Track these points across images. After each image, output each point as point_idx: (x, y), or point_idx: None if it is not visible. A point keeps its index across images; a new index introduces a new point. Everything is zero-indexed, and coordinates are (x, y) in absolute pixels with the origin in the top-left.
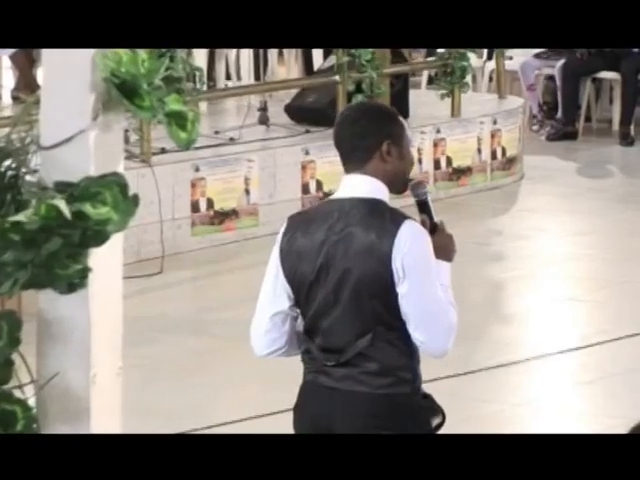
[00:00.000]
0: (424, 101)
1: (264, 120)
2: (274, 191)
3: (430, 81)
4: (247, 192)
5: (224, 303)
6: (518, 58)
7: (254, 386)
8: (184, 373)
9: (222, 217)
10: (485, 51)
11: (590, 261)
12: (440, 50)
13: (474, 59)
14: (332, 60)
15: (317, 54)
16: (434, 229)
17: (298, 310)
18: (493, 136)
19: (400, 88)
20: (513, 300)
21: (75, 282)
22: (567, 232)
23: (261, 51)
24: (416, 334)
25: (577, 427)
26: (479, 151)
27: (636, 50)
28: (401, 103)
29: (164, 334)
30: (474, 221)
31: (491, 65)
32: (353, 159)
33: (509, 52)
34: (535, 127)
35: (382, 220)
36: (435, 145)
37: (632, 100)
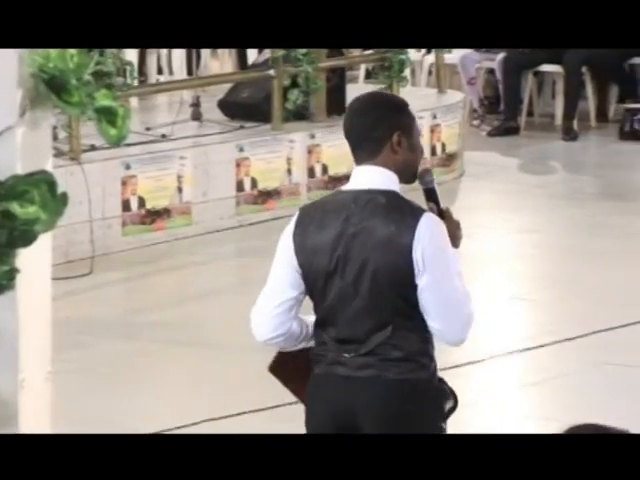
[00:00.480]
0: None
1: (197, 116)
2: (207, 189)
3: (368, 75)
4: (179, 190)
5: (155, 305)
6: (458, 51)
7: (188, 390)
8: (115, 377)
9: (154, 216)
10: None
11: (534, 259)
12: None
13: (413, 52)
14: (267, 54)
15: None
16: (441, 216)
17: (301, 298)
18: (432, 132)
19: (337, 83)
20: None
21: (2, 284)
22: (510, 230)
23: None
24: (434, 324)
25: (519, 430)
26: None
27: None
28: (338, 98)
29: (94, 337)
30: None
31: (430, 59)
32: (364, 150)
33: None
34: (476, 122)
35: (401, 213)
36: None
37: (575, 94)
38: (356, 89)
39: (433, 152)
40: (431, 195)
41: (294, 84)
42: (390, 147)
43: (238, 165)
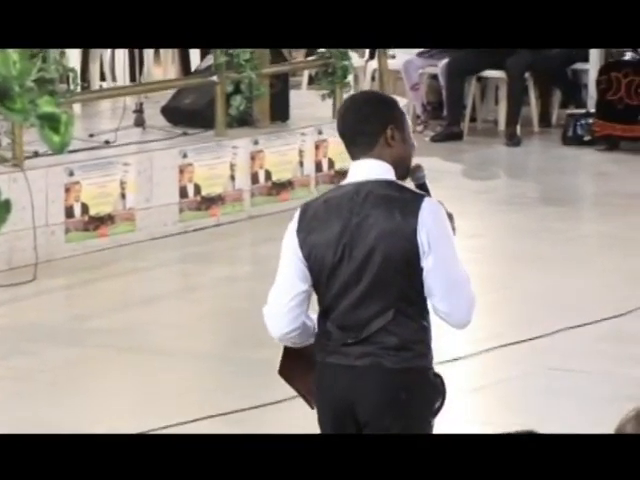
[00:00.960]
0: (305, 102)
1: (140, 122)
2: (151, 195)
3: (311, 81)
4: (123, 197)
5: (99, 311)
6: (401, 57)
7: (133, 395)
8: (59, 384)
9: (97, 222)
10: (367, 50)
11: (478, 264)
12: (321, 49)
13: (356, 58)
14: (210, 60)
15: (194, 54)
16: None
17: (311, 291)
18: None
19: (280, 89)
20: None
21: None
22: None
23: (136, 51)
24: (440, 306)
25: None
26: None
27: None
28: (281, 104)
29: (37, 344)
30: None
31: (373, 64)
32: (358, 144)
33: (391, 51)
34: (419, 128)
35: (402, 199)
36: (317, 147)
37: (518, 99)
38: (299, 95)
39: None
40: (423, 189)
41: (237, 90)
42: (384, 141)
43: (181, 171)
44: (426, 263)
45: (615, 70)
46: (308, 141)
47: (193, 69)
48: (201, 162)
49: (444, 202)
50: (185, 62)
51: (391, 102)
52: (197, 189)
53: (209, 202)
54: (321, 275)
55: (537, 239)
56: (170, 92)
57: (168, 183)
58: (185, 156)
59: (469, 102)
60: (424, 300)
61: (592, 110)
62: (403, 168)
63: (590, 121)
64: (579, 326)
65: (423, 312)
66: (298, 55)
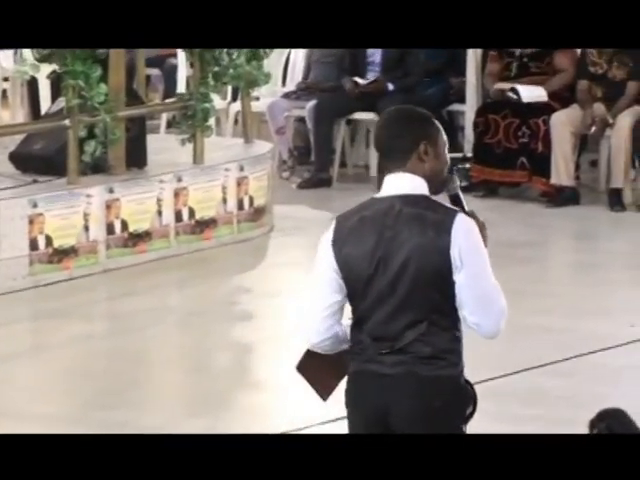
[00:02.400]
0: (163, 147)
1: None
2: None
3: (170, 124)
4: None
5: None
6: (265, 99)
7: None
8: None
9: None
10: (229, 92)
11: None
12: (180, 91)
13: (218, 100)
14: (61, 103)
15: (44, 97)
16: None
17: (344, 302)
18: (239, 184)
19: (137, 133)
20: (264, 364)
21: None
22: None
23: None
24: (471, 318)
25: None
26: (224, 201)
27: (392, 89)
28: (138, 149)
29: None
30: (221, 278)
31: (236, 107)
32: (393, 159)
33: (255, 92)
34: (285, 174)
35: (436, 214)
36: (176, 195)
37: None
38: (157, 139)
39: (240, 206)
40: (456, 201)
41: (91, 135)
42: (417, 156)
43: (31, 222)
44: (458, 277)
45: (493, 112)
46: (167, 189)
47: (43, 112)
48: (52, 212)
49: (476, 212)
50: (35, 105)
51: (425, 118)
52: (48, 241)
53: (62, 254)
54: (356, 287)
55: None
56: (19, 137)
57: (17, 234)
58: (35, 205)
59: (338, 146)
60: (456, 311)
61: (469, 154)
62: (437, 182)
63: (467, 166)
64: None
65: (456, 323)
66: (155, 97)
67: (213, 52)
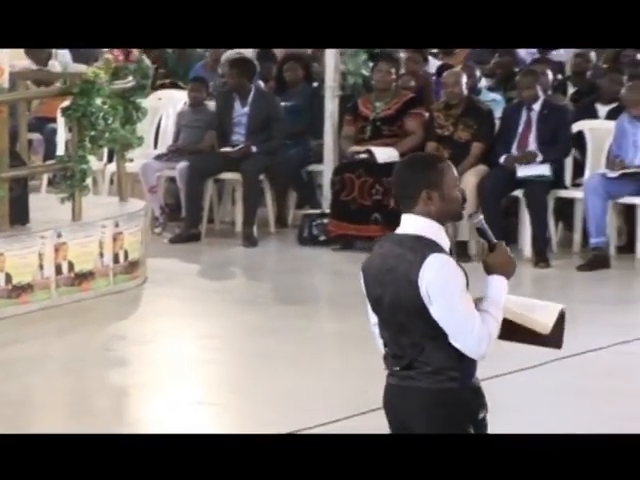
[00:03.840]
0: (44, 205)
1: None
2: None
3: (50, 183)
4: None
5: None
6: (139, 160)
7: None
8: None
9: None
10: (105, 154)
11: (218, 364)
12: (60, 153)
13: (94, 162)
14: None
15: None
16: (492, 248)
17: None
18: (115, 239)
19: (20, 192)
20: (138, 405)
21: None
22: (193, 335)
23: None
24: (454, 343)
25: None
26: (101, 255)
27: (255, 150)
28: (21, 207)
29: None
30: (98, 326)
31: (112, 168)
32: (403, 203)
33: (129, 154)
34: (158, 229)
35: (414, 253)
36: (56, 250)
37: (254, 201)
38: (38, 198)
39: (116, 260)
40: (481, 233)
41: None
42: (423, 201)
43: None
44: (432, 310)
45: (349, 171)
46: (48, 244)
47: None
48: None
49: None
50: None
51: (429, 164)
52: None
53: None
54: (374, 309)
55: (275, 338)
56: None
57: None
58: None
59: (206, 204)
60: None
61: (327, 210)
62: (449, 218)
63: (325, 221)
64: (318, 426)
65: (449, 343)
66: (37, 159)
67: (90, 118)
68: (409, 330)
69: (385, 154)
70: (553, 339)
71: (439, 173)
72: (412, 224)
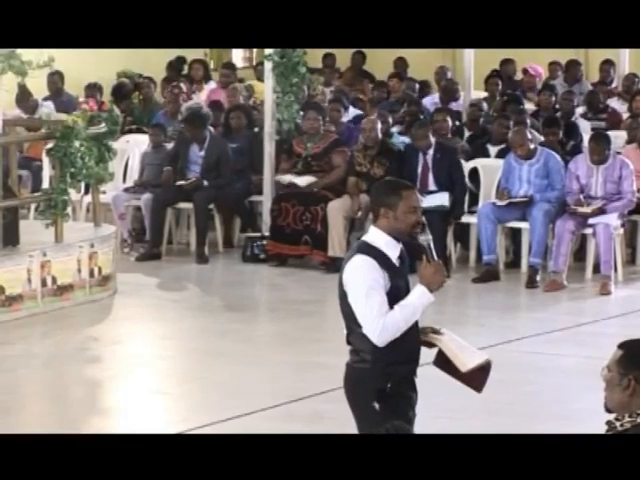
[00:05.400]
0: (32, 230)
1: None
2: None
3: (37, 211)
4: None
5: None
6: (110, 192)
7: None
8: None
9: None
10: (83, 187)
11: (174, 360)
12: (45, 187)
13: (74, 193)
14: None
15: None
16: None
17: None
18: (91, 258)
19: (11, 219)
20: (110, 395)
21: None
22: (154, 337)
23: None
24: (362, 329)
25: None
26: (79, 270)
27: (206, 184)
28: (12, 231)
29: None
30: (76, 330)
31: (88, 198)
32: (373, 216)
33: (103, 187)
34: (126, 250)
35: (351, 253)
36: (42, 266)
37: (204, 226)
38: (27, 225)
39: (91, 274)
40: (425, 249)
41: None
42: (382, 217)
43: None
44: (348, 301)
45: (285, 201)
46: (35, 262)
47: None
48: None
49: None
50: None
51: (391, 189)
52: None
53: None
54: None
55: (222, 339)
56: None
57: None
58: None
59: (166, 228)
60: None
61: (266, 233)
62: (400, 235)
63: (264, 242)
64: (259, 410)
65: None
66: (25, 192)
67: (70, 157)
68: (345, 316)
69: (305, 180)
70: (474, 381)
71: (398, 198)
72: (370, 233)
